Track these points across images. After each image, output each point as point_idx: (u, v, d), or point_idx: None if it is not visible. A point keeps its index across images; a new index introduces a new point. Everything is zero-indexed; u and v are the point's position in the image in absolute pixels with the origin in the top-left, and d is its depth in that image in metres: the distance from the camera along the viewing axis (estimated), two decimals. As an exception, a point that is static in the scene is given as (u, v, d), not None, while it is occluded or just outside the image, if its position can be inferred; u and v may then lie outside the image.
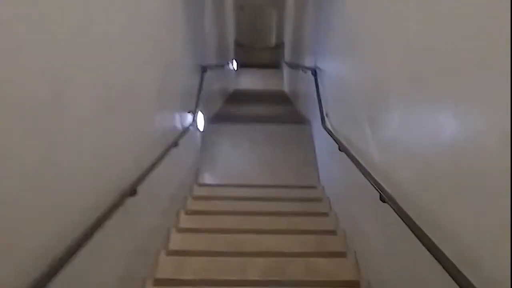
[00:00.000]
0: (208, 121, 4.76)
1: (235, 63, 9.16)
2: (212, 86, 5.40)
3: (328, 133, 3.11)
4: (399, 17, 1.76)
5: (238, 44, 10.29)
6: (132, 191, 1.77)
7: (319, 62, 4.02)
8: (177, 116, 3.06)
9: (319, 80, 3.88)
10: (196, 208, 3.15)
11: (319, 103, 3.63)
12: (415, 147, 1.56)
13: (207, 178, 3.94)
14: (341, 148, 2.68)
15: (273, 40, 11.88)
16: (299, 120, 5.05)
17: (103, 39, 1.53)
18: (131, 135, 1.95)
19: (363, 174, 2.06)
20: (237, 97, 7.45)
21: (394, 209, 1.63)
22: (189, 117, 3.45)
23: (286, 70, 8.77)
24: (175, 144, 2.69)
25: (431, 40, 1.42)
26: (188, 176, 3.58)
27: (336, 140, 2.85)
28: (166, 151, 2.48)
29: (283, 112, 5.82)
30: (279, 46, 10.37)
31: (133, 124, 1.98)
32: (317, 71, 3.99)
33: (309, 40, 4.96)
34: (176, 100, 3.04)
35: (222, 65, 6.14)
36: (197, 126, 3.85)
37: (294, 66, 6.28)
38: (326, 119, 3.45)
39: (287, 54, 8.27)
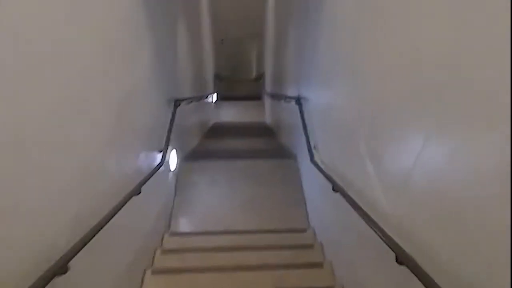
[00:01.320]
0: (184, 158, 4.31)
1: (215, 96, 8.87)
2: (188, 120, 5.00)
3: (319, 170, 2.71)
4: (409, 32, 1.42)
5: (218, 77, 10.06)
6: (62, 269, 1.29)
7: (303, 91, 3.69)
8: (141, 157, 2.61)
9: (304, 110, 3.53)
10: (165, 264, 2.64)
11: (305, 135, 3.25)
12: (442, 190, 1.16)
13: (181, 226, 3.43)
14: (336, 188, 2.27)
15: (253, 72, 11.75)
16: (283, 154, 4.65)
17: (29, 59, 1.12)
18: (69, 189, 1.49)
19: (370, 226, 1.64)
20: (216, 131, 7.05)
21: (416, 274, 1.21)
22: (158, 157, 3.00)
23: (267, 101, 8.50)
24: (136, 192, 2.22)
25: (456, 57, 1.06)
26: (158, 224, 3.07)
27: (328, 178, 2.45)
28: (123, 202, 2.01)
29: (265, 145, 5.44)
30: (260, 77, 10.19)
31: (75, 175, 1.53)
32: (302, 100, 3.65)
33: (291, 70, 4.68)
34: (141, 139, 2.60)
35: (200, 98, 5.77)
36: (168, 166, 3.39)
37: (276, 96, 5.98)
38: (314, 153, 3.06)
39: (268, 85, 8.02)
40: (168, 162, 3.35)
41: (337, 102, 2.46)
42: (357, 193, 1.99)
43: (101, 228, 1.65)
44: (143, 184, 2.31)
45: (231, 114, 9.66)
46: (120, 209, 1.95)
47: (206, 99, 7.10)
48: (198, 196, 3.75)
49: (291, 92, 4.47)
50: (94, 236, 1.57)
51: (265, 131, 7.15)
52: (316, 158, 2.98)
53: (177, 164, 3.76)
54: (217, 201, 3.70)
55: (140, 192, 2.26)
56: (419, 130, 1.30)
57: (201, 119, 6.64)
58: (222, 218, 3.45)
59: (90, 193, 1.72)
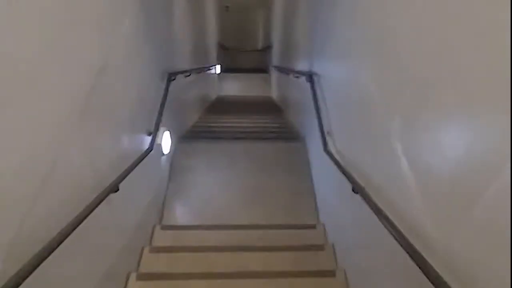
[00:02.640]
0: (181, 138, 3.89)
1: (218, 67, 8.34)
2: (188, 94, 4.54)
3: (335, 163, 2.28)
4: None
5: (222, 47, 9.47)
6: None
7: (316, 66, 3.20)
8: (124, 142, 2.19)
9: (316, 88, 3.06)
10: (153, 268, 2.29)
11: (318, 119, 2.80)
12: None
13: (174, 217, 3.06)
14: (357, 190, 1.85)
15: (260, 43, 11.09)
16: (291, 135, 4.21)
17: None
18: (21, 189, 1.10)
19: (405, 250, 1.24)
20: (219, 106, 6.62)
21: None
22: (147, 141, 2.59)
23: (274, 75, 7.97)
24: (113, 189, 1.82)
25: None
26: (147, 217, 2.70)
27: (347, 175, 2.02)
28: (97, 202, 1.62)
29: (271, 124, 4.99)
30: (267, 49, 9.57)
31: (25, 170, 1.14)
32: (314, 77, 3.17)
33: (302, 42, 4.16)
34: (122, 121, 2.18)
35: (200, 71, 5.28)
36: (161, 149, 2.98)
37: (284, 70, 5.47)
38: (328, 139, 2.62)
39: (276, 58, 7.47)
40: (159, 145, 2.93)
41: (360, 80, 1.99)
42: (387, 202, 1.57)
43: (73, 230, 1.36)
44: (122, 179, 1.91)
45: (235, 87, 9.16)
46: (93, 209, 1.58)
47: (208, 71, 6.60)
48: (195, 183, 3.36)
49: (302, 66, 3.98)
50: (62, 241, 1.27)
51: (271, 107, 6.69)
52: (330, 147, 2.55)
53: (171, 146, 3.34)
54: (217, 190, 3.31)
55: (118, 190, 1.86)
56: (497, 119, 0.86)
57: (203, 92, 6.18)
58: (221, 209, 3.07)
59: (53, 192, 1.34)
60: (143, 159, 2.34)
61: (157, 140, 2.88)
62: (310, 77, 3.18)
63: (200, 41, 5.76)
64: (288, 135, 4.25)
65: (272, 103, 7.39)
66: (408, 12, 1.41)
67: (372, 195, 1.71)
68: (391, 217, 1.48)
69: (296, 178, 3.40)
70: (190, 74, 4.25)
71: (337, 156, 2.39)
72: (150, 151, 2.52)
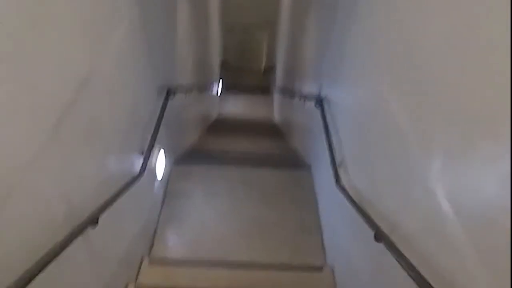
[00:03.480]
0: (178, 160, 3.61)
1: (221, 86, 8.15)
2: (187, 112, 4.29)
3: (349, 200, 2.00)
4: None
5: (225, 66, 9.32)
6: None
7: (326, 91, 2.97)
8: (110, 164, 1.91)
9: (327, 114, 2.81)
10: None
11: (329, 149, 2.54)
12: None
13: (165, 249, 2.73)
14: (380, 238, 1.57)
15: (263, 63, 10.98)
16: (295, 162, 3.94)
17: None
18: None
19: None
20: (219, 126, 6.36)
21: None
22: (138, 163, 2.30)
23: (276, 97, 7.76)
24: (91, 222, 1.53)
25: None
26: (135, 248, 2.38)
27: (366, 217, 1.74)
28: (69, 238, 1.34)
29: (274, 149, 4.72)
30: (270, 70, 9.43)
31: None
32: (324, 101, 2.93)
33: (309, 63, 3.95)
34: (110, 138, 1.90)
35: (202, 87, 5.06)
36: (154, 172, 2.70)
37: (288, 93, 5.25)
38: (341, 173, 2.35)
39: (279, 79, 7.28)
40: (153, 167, 2.65)
41: (385, 108, 1.74)
42: (421, 255, 1.28)
43: (38, 272, 1.11)
44: (103, 210, 1.62)
45: (236, 107, 8.95)
46: (65, 247, 1.30)
47: (210, 89, 6.39)
48: (190, 211, 3.05)
49: (309, 90, 3.75)
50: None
51: (273, 131, 6.44)
52: (344, 181, 2.28)
53: (166, 168, 3.06)
54: (214, 219, 3.00)
55: (97, 223, 1.57)
56: None
57: (203, 111, 5.93)
58: (218, 242, 2.76)
59: (11, 228, 1.05)
60: (131, 185, 2.05)
61: (151, 163, 2.60)
62: (320, 101, 2.94)
63: (202, 58, 5.56)
64: (292, 162, 3.97)
65: (275, 126, 7.15)
66: (456, 28, 1.16)
67: (399, 245, 1.43)
68: (426, 275, 1.19)
69: (300, 211, 3.10)
70: (192, 91, 4.02)
71: (351, 193, 2.11)
72: (141, 175, 2.24)
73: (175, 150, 3.62)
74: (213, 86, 6.90)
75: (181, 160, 3.63)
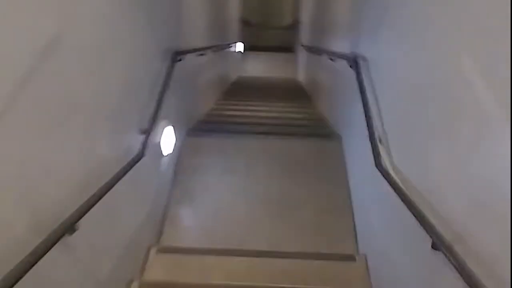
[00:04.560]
0: (191, 131, 3.25)
1: (240, 45, 7.59)
2: (201, 76, 3.88)
3: (395, 189, 1.58)
4: None
5: (245, 23, 8.67)
6: None
7: (364, 48, 2.45)
8: (99, 148, 1.57)
9: (364, 77, 2.32)
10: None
11: (367, 120, 2.08)
12: None
13: (176, 237, 2.45)
14: (439, 246, 1.17)
15: (287, 18, 10.16)
16: (324, 131, 3.49)
17: None
18: None
19: None
20: (238, 89, 5.94)
21: None
22: (137, 140, 1.95)
23: (302, 56, 7.15)
24: (68, 230, 1.21)
25: None
26: (140, 238, 2.11)
27: (419, 218, 1.33)
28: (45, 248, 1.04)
29: (299, 114, 4.26)
30: (295, 25, 8.69)
31: None
32: (360, 62, 2.42)
33: (341, 17, 3.37)
34: (98, 113, 1.54)
35: (217, 49, 4.58)
36: (160, 150, 2.36)
37: (316, 51, 4.69)
38: (380, 150, 1.91)
39: (305, 36, 6.63)
40: (158, 144, 2.31)
41: (450, 72, 1.27)
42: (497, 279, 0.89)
43: None
44: (83, 215, 1.29)
45: (258, 67, 8.42)
46: (33, 264, 1.00)
47: (227, 49, 5.90)
48: (204, 190, 2.73)
49: (341, 47, 3.22)
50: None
51: (298, 93, 5.96)
52: (385, 162, 1.84)
53: (177, 142, 2.72)
54: (231, 200, 2.67)
55: (75, 230, 1.25)
56: None
57: (221, 73, 5.50)
58: (236, 227, 2.45)
59: None
60: (128, 169, 1.71)
61: (155, 140, 2.26)
62: (355, 61, 2.44)
63: (218, 15, 5.03)
64: (320, 130, 3.53)
65: (299, 87, 6.63)
66: None
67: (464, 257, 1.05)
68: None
69: (328, 188, 2.71)
70: (204, 53, 3.57)
71: (396, 177, 1.69)
72: (141, 156, 1.90)
73: (187, 120, 3.26)
74: (231, 46, 6.39)
75: (194, 131, 3.27)
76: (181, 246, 2.32)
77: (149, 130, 2.04)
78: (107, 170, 1.57)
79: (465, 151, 1.16)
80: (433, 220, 1.29)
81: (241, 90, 5.87)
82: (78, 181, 1.37)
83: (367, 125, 2.06)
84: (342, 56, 2.86)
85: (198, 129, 3.31)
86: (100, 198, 1.42)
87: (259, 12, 9.90)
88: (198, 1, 3.58)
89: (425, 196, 1.41)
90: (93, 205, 1.37)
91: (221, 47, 4.94)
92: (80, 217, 1.28)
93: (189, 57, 2.94)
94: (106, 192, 1.47)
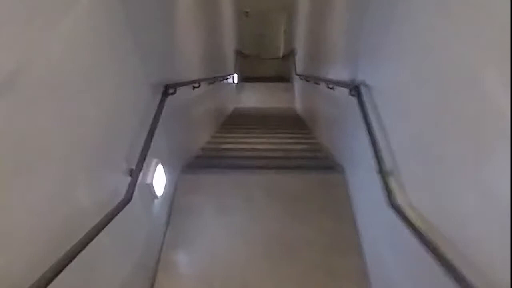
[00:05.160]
0: (186, 168, 3.07)
1: (236, 76, 7.57)
2: (196, 109, 3.75)
3: (415, 233, 1.39)
4: None
5: (240, 54, 8.72)
6: None
7: (365, 75, 2.33)
8: (80, 190, 1.38)
9: (367, 104, 2.18)
10: None
11: (374, 151, 1.92)
12: None
13: (170, 285, 2.20)
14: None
15: (281, 49, 10.28)
16: (325, 162, 3.32)
17: None
18: None
19: None
20: (235, 121, 5.81)
21: None
22: (123, 183, 1.77)
23: (298, 85, 7.12)
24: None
25: None
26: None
27: (446, 264, 1.14)
28: None
29: (298, 146, 4.11)
30: (289, 55, 8.75)
31: None
32: (362, 89, 2.30)
33: (338, 44, 3.29)
34: (78, 154, 1.37)
35: (213, 81, 4.50)
36: (151, 190, 2.17)
37: (312, 79, 4.61)
38: (391, 184, 1.74)
39: (300, 65, 6.61)
40: (149, 185, 2.12)
41: (474, 91, 1.12)
42: None
43: None
44: (55, 276, 1.09)
45: (254, 98, 8.38)
46: None
47: (223, 81, 5.83)
48: (201, 234, 2.50)
49: (339, 75, 3.12)
50: None
51: (296, 122, 5.84)
52: (397, 198, 1.66)
53: (169, 181, 2.53)
54: (230, 242, 2.45)
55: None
56: None
57: (217, 105, 5.39)
58: (236, 271, 2.22)
59: None
60: (112, 217, 1.52)
61: (145, 179, 2.08)
62: (356, 89, 2.31)
63: (214, 47, 4.99)
64: (321, 162, 3.36)
65: (296, 116, 6.53)
66: None
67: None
68: None
69: (334, 226, 2.51)
70: (199, 85, 3.46)
71: (412, 215, 1.50)
72: (127, 201, 1.71)
73: (182, 156, 3.09)
74: (227, 77, 6.34)
75: (190, 167, 3.09)
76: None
77: (137, 170, 1.86)
78: (87, 219, 1.38)
79: (496, 183, 0.99)
80: (463, 268, 1.10)
81: (238, 121, 5.75)
82: (49, 236, 1.18)
83: (376, 159, 1.89)
84: (341, 84, 2.74)
85: (194, 166, 3.13)
86: (76, 254, 1.22)
87: (254, 43, 10.01)
88: (191, 33, 3.52)
89: (451, 239, 1.22)
90: (67, 263, 1.17)
91: (217, 79, 4.86)
92: (52, 280, 1.08)
93: (183, 90, 2.82)
94: (85, 246, 1.28)
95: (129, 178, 1.80)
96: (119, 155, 1.79)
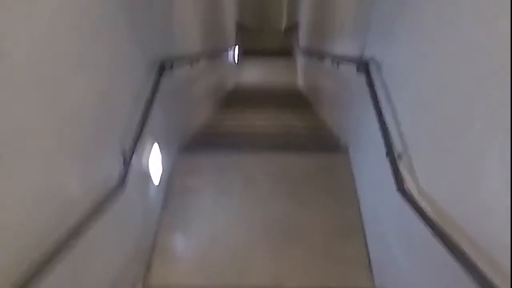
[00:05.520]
0: (183, 148, 2.97)
1: (236, 50, 7.33)
2: (194, 86, 3.60)
3: (426, 222, 1.29)
4: None
5: (241, 27, 8.42)
6: None
7: (374, 50, 2.18)
8: (71, 176, 1.28)
9: (376, 82, 2.04)
10: None
11: (383, 133, 1.80)
12: None
13: (166, 269, 2.14)
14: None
15: (283, 21, 9.92)
16: (328, 142, 3.21)
17: None
18: None
19: None
20: (235, 98, 5.65)
21: None
22: (117, 167, 1.67)
23: (301, 59, 6.89)
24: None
25: None
26: (125, 275, 1.81)
27: (465, 262, 1.05)
28: None
29: (300, 123, 3.98)
30: (292, 28, 8.44)
31: None
32: (372, 65, 2.15)
33: (345, 17, 3.10)
34: (66, 138, 1.26)
35: (212, 55, 4.31)
36: (146, 171, 2.07)
37: (316, 54, 4.42)
38: (401, 168, 1.63)
39: (304, 38, 6.36)
40: (144, 168, 2.02)
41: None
42: None
43: None
44: (41, 271, 1.01)
45: (255, 73, 8.15)
46: None
47: (223, 55, 5.63)
48: (198, 217, 2.43)
49: (345, 50, 2.95)
50: None
51: (298, 99, 5.68)
52: (409, 184, 1.56)
53: (165, 163, 2.44)
54: (228, 226, 2.37)
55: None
56: None
57: (217, 81, 5.21)
58: (235, 258, 2.16)
59: None
60: (105, 205, 1.43)
61: (139, 163, 1.98)
62: (365, 65, 2.16)
63: (213, 20, 4.76)
64: (323, 141, 3.25)
65: (299, 93, 6.35)
66: None
67: None
68: None
69: (337, 209, 2.43)
70: (198, 61, 3.30)
71: (423, 203, 1.41)
72: (122, 187, 1.61)
73: (179, 135, 2.98)
74: (228, 52, 6.13)
75: (187, 147, 2.99)
76: (171, 282, 2.02)
77: (131, 152, 1.75)
78: (79, 206, 1.29)
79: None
80: (477, 260, 1.02)
81: (238, 99, 5.58)
82: (39, 225, 1.09)
83: (384, 141, 1.78)
84: (348, 60, 2.58)
85: (192, 145, 3.02)
86: (68, 243, 1.14)
87: (256, 15, 9.67)
88: (190, 6, 3.31)
89: (465, 228, 1.13)
90: (59, 253, 1.09)
91: (216, 53, 4.66)
92: (43, 268, 1.01)
93: (180, 66, 2.67)
94: (77, 235, 1.20)
95: (123, 160, 1.70)
96: (113, 135, 1.67)
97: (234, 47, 7.09)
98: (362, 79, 2.22)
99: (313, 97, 5.15)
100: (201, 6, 3.83)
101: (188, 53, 3.06)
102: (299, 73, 7.20)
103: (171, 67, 2.34)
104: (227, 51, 5.97)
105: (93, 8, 1.46)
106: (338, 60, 2.97)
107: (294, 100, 5.43)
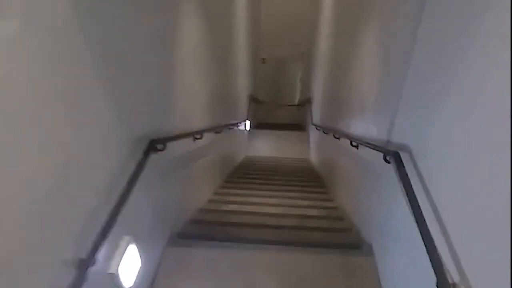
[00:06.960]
0: (175, 238, 2.51)
1: (248, 123, 7.18)
2: (197, 162, 3.26)
3: None
4: None
5: (254, 100, 8.42)
6: None
7: (406, 135, 1.81)
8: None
9: (412, 178, 1.62)
10: None
11: (421, 232, 1.34)
12: None
13: None
14: None
15: (297, 96, 9.98)
16: (347, 235, 2.71)
17: None
18: None
19: None
20: (244, 174, 5.29)
21: None
22: (66, 279, 1.23)
23: (313, 135, 6.64)
24: None
25: None
26: None
27: None
28: None
29: (314, 209, 3.50)
30: (305, 103, 8.39)
31: None
32: (402, 156, 1.75)
33: (366, 93, 2.82)
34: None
35: (220, 130, 4.05)
36: (118, 281, 1.61)
37: (332, 132, 4.11)
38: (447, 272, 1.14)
39: (317, 115, 6.18)
40: (114, 276, 1.56)
41: None
42: None
43: None
44: None
45: (267, 146, 7.91)
46: None
47: (234, 128, 5.42)
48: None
49: (367, 131, 2.61)
50: None
51: (311, 175, 5.28)
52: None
53: (149, 261, 1.97)
54: None
55: None
56: None
57: (224, 156, 4.91)
58: None
59: None
60: None
61: (107, 267, 1.53)
62: (396, 155, 1.76)
63: (223, 93, 4.60)
64: (342, 235, 2.75)
65: (311, 169, 5.98)
66: None
67: None
68: None
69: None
70: (201, 137, 3.00)
71: None
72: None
73: (172, 223, 2.53)
74: (239, 125, 5.94)
75: (180, 237, 2.53)
76: None
77: (89, 260, 1.32)
78: None
79: None
80: None
81: (246, 175, 5.20)
82: None
83: (423, 239, 1.32)
84: (371, 145, 2.20)
85: (185, 235, 2.55)
86: None
87: (269, 90, 9.78)
88: (195, 78, 3.12)
89: None
90: None
91: (225, 126, 4.42)
92: None
93: (179, 142, 2.36)
94: None
95: (77, 271, 1.26)
96: (67, 238, 1.26)
97: (246, 120, 6.95)
98: (389, 166, 1.84)
99: (326, 175, 4.74)
100: (210, 79, 3.66)
101: (189, 128, 2.77)
102: (311, 148, 6.92)
103: (164, 146, 2.00)
104: (237, 124, 5.78)
105: (60, 78, 1.15)
106: (358, 142, 2.61)
107: (307, 179, 5.02)
